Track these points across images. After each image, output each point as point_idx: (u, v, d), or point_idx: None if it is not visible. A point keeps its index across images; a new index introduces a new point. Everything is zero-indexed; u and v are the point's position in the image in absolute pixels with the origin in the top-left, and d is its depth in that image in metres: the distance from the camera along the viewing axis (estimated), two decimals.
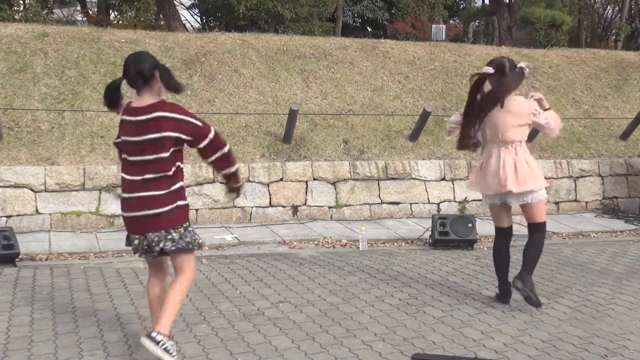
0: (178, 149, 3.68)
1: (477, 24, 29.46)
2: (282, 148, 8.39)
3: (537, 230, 4.89)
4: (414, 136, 9.02)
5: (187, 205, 3.75)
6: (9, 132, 7.56)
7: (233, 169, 3.86)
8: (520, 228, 7.98)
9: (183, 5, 24.31)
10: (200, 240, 3.78)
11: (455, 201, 8.70)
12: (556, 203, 9.21)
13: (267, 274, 5.73)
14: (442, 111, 9.55)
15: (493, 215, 5.08)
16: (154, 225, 3.63)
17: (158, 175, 3.62)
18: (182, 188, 3.72)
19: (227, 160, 3.81)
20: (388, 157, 8.69)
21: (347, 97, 9.46)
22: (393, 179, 8.52)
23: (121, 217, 3.81)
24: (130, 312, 4.62)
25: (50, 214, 7.11)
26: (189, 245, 3.70)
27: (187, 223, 3.73)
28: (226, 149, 3.77)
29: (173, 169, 3.65)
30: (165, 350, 3.52)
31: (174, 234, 3.65)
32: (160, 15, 18.00)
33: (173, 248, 3.66)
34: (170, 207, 3.63)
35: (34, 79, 8.24)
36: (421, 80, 10.19)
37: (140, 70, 3.66)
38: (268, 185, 8.03)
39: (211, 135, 3.69)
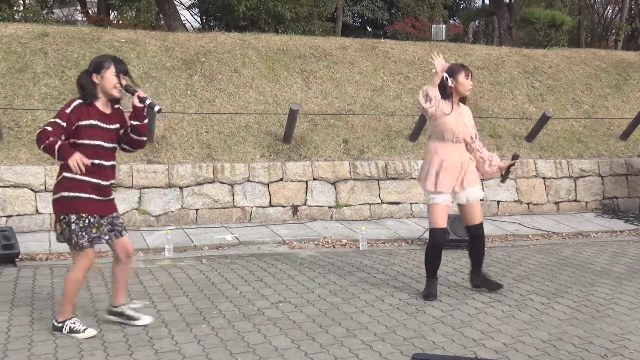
0: (71, 141, 3.97)
1: (477, 24, 29.42)
2: (282, 148, 8.39)
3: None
4: (414, 136, 9.03)
5: (73, 198, 4.00)
6: (9, 132, 7.56)
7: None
8: (520, 228, 8.01)
9: (183, 5, 24.29)
10: (81, 242, 4.00)
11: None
12: (556, 203, 9.22)
13: (267, 274, 5.73)
14: None
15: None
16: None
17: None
18: (64, 179, 4.00)
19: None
20: (388, 157, 8.69)
21: (347, 97, 9.46)
22: (393, 179, 8.52)
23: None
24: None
25: (50, 214, 7.10)
26: (69, 240, 4.04)
27: (68, 217, 4.00)
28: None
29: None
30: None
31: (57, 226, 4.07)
32: (160, 15, 18.00)
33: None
34: (55, 196, 4.05)
35: (34, 79, 8.25)
36: (421, 80, 10.18)
37: None
38: (268, 185, 8.03)
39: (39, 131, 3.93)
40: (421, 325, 4.49)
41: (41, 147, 3.86)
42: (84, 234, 4.00)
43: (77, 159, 3.83)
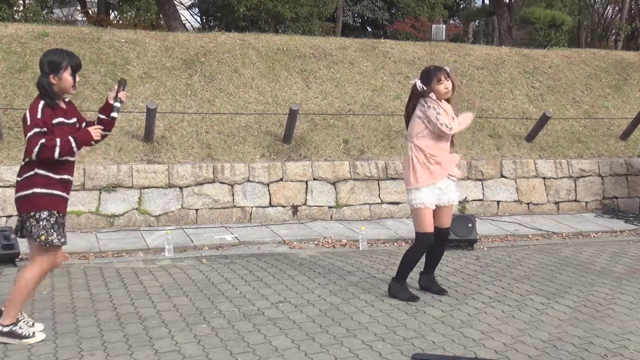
0: None
1: (477, 24, 29.44)
2: (282, 148, 8.39)
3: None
4: None
5: (45, 194, 3.91)
6: (9, 132, 7.56)
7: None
8: (520, 228, 8.01)
9: (183, 5, 24.29)
10: (51, 238, 3.91)
11: None
12: (556, 203, 9.22)
13: (267, 274, 5.73)
14: None
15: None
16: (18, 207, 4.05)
17: (24, 161, 3.98)
18: (37, 175, 3.90)
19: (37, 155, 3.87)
20: (388, 157, 8.69)
21: (347, 97, 9.46)
22: (393, 179, 8.52)
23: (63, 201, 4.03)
24: (130, 312, 4.62)
25: None
26: (34, 237, 3.93)
27: (40, 213, 3.91)
28: (33, 156, 3.83)
29: (27, 158, 3.90)
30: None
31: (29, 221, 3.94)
32: (160, 15, 18.00)
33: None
34: (24, 192, 3.94)
35: (34, 79, 8.17)
36: None
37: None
38: (268, 185, 8.03)
39: (33, 156, 3.82)
40: (421, 325, 4.49)
41: (57, 156, 3.81)
42: (53, 231, 3.93)
43: (95, 130, 3.94)
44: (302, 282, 5.50)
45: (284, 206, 8.03)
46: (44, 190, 3.91)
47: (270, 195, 8.01)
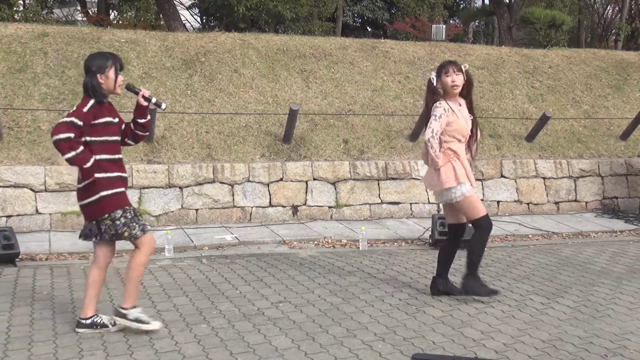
0: (87, 140, 4.00)
1: (477, 24, 29.42)
2: (282, 148, 8.39)
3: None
4: (414, 136, 9.03)
5: (113, 194, 4.06)
6: (9, 132, 7.56)
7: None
8: (520, 228, 8.01)
9: (183, 5, 24.28)
10: (134, 232, 4.08)
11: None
12: (556, 203, 9.22)
13: (267, 274, 5.73)
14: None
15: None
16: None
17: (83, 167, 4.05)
18: (97, 179, 4.00)
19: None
20: (388, 157, 8.69)
21: (347, 97, 9.46)
22: (393, 179, 8.53)
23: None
24: None
25: (50, 214, 7.11)
26: (118, 237, 4.12)
27: (114, 214, 4.06)
28: (54, 137, 3.91)
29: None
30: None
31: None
32: (160, 15, 18.00)
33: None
34: (92, 198, 4.05)
35: (34, 79, 8.24)
36: (421, 80, 10.19)
37: None
38: (268, 185, 8.03)
39: (54, 138, 3.91)
40: (421, 325, 4.49)
41: (66, 158, 3.91)
42: (134, 224, 4.08)
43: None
44: (302, 282, 5.50)
45: (284, 206, 8.03)
46: (110, 192, 4.05)
47: (270, 195, 8.01)
